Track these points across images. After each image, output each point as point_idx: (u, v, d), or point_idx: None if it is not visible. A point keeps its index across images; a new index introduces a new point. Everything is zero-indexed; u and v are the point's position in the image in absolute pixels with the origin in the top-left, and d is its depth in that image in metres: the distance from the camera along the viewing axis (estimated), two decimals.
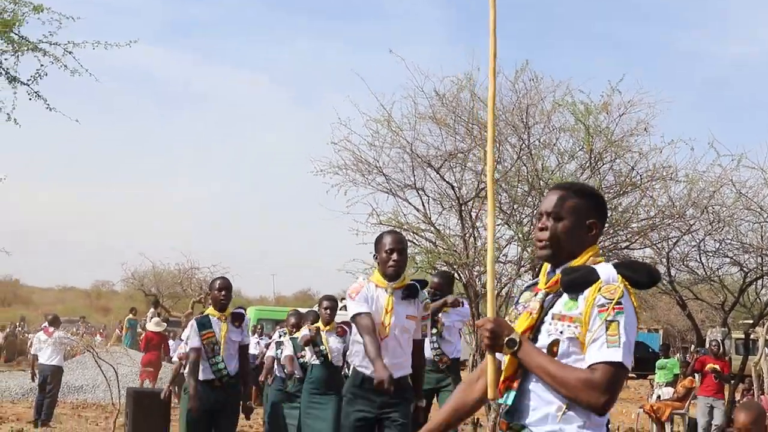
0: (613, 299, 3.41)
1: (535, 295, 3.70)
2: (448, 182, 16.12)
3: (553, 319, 3.52)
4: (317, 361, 10.03)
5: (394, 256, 6.76)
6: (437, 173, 16.10)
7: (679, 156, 47.16)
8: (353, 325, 6.88)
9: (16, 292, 70.32)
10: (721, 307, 20.71)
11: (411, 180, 16.45)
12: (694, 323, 21.29)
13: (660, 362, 21.15)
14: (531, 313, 3.61)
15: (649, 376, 24.16)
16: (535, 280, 3.85)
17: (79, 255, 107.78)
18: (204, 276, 38.59)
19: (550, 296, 3.62)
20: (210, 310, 8.88)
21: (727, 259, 19.46)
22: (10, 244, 65.59)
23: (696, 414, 17.24)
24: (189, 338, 9.13)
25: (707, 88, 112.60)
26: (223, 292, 8.92)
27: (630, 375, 37.09)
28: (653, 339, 42.19)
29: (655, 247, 18.63)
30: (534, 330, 3.58)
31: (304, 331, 10.31)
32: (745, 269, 19.41)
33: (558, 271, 3.60)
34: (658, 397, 19.13)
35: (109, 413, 16.44)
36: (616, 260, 3.81)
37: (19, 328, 41.54)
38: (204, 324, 8.80)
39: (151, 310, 26.81)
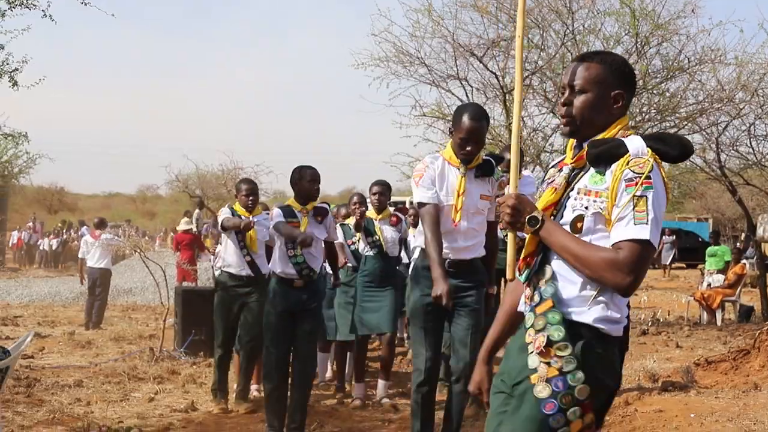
0: (642, 173, 3.19)
1: (561, 170, 3.52)
2: (491, 71, 15.89)
3: (578, 193, 3.33)
4: (371, 252, 9.51)
5: (469, 147, 6.19)
6: (480, 62, 15.86)
7: (728, 38, 46.31)
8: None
9: (62, 199, 70.89)
10: None
11: (454, 70, 16.24)
12: (744, 210, 20.93)
13: (710, 249, 20.91)
14: (555, 189, 3.44)
15: (699, 266, 23.97)
16: (562, 156, 3.63)
17: (123, 159, 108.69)
18: (248, 176, 38.60)
19: (576, 171, 3.43)
20: (291, 201, 7.94)
21: None
22: (54, 151, 66.14)
23: None
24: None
25: None
26: (316, 186, 7.85)
27: (679, 264, 37.08)
28: (702, 228, 41.88)
29: (704, 133, 18.29)
30: (558, 206, 3.41)
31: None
32: None
33: (585, 145, 3.40)
34: (709, 284, 18.97)
35: (158, 314, 16.57)
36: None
37: (72, 232, 41.70)
38: (290, 213, 7.80)
39: (197, 211, 26.75)
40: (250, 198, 9.12)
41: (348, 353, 10.10)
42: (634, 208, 3.17)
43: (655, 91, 16.45)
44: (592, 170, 3.33)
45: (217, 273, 9.85)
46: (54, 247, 40.41)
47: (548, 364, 3.23)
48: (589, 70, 3.45)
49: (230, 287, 9.17)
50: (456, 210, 6.23)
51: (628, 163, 3.22)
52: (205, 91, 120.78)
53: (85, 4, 12.60)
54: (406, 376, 9.51)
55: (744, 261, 18.08)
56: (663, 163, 3.37)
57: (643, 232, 3.16)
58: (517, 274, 3.54)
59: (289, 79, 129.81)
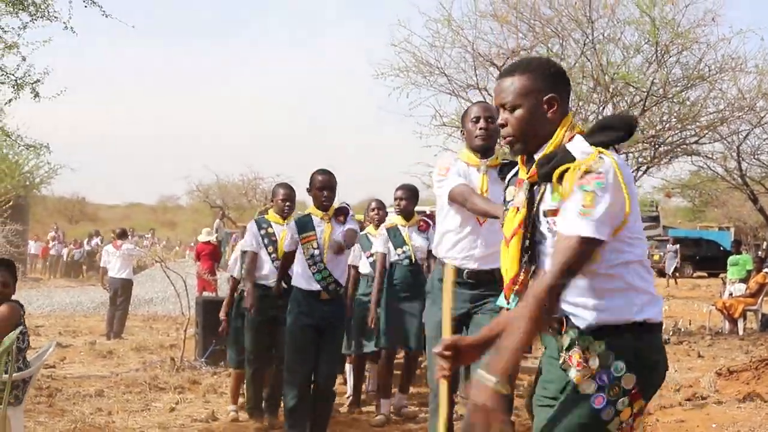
0: (592, 170, 3.12)
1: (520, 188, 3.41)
2: None
3: (545, 216, 3.27)
4: (401, 261, 8.95)
5: (482, 123, 5.94)
6: (500, 72, 15.84)
7: (748, 46, 46.12)
8: (439, 215, 6.18)
9: (83, 209, 71.23)
10: None
11: (473, 80, 16.27)
12: (766, 218, 20.87)
13: (732, 258, 20.81)
14: (518, 209, 3.37)
15: (721, 275, 23.86)
16: (515, 170, 3.55)
17: (144, 170, 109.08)
18: (268, 186, 38.66)
19: (536, 186, 3.32)
20: (311, 209, 7.59)
21: None
22: (75, 162, 66.48)
23: None
24: (246, 241, 8.61)
25: None
26: (325, 192, 7.44)
27: (701, 274, 36.85)
28: (724, 237, 41.64)
29: (725, 141, 18.28)
30: (528, 226, 3.32)
31: (382, 230, 9.18)
32: None
33: (536, 158, 3.32)
34: (731, 293, 18.87)
35: (179, 324, 16.61)
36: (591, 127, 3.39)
37: (95, 242, 41.65)
38: (305, 225, 7.47)
39: (217, 221, 26.81)
40: (287, 204, 8.68)
41: (367, 367, 9.85)
42: (581, 201, 3.11)
43: (675, 100, 16.43)
44: (550, 187, 3.25)
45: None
46: (76, 258, 40.52)
47: (587, 365, 3.22)
48: (514, 84, 3.36)
49: (259, 299, 8.59)
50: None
51: (579, 168, 3.15)
52: (225, 102, 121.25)
53: (106, 16, 12.71)
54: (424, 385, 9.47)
55: (766, 270, 17.94)
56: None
57: (586, 227, 3.10)
58: (503, 302, 3.46)
59: (308, 89, 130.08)
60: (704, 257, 37.51)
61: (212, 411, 9.15)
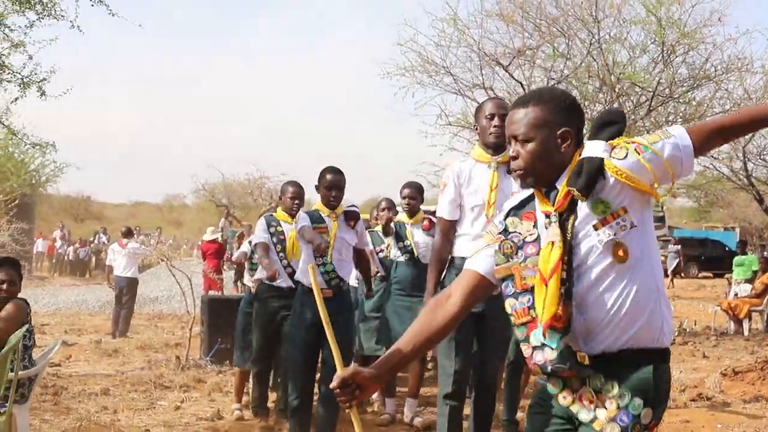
0: (629, 146, 3.13)
1: (535, 224, 3.31)
2: (517, 80, 15.90)
3: (596, 229, 3.15)
4: (402, 258, 8.92)
5: (496, 121, 5.96)
6: (506, 71, 15.87)
7: (755, 46, 46.04)
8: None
9: (89, 208, 71.21)
10: None
11: (479, 79, 16.26)
12: None
13: (737, 259, 20.76)
14: (553, 243, 3.19)
15: (726, 275, 23.82)
16: (518, 202, 3.42)
17: (150, 168, 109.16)
18: (274, 185, 38.67)
19: (565, 215, 3.20)
20: (318, 206, 7.48)
21: None
22: (81, 160, 66.55)
23: None
24: (257, 233, 8.48)
25: None
26: (333, 192, 7.38)
27: (706, 274, 36.80)
28: (729, 237, 41.57)
29: (731, 142, 18.22)
30: (566, 260, 3.17)
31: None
32: None
33: (559, 187, 3.22)
34: (736, 294, 18.86)
35: (184, 323, 16.63)
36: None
37: (103, 239, 41.64)
38: (317, 218, 7.39)
39: (222, 220, 26.83)
40: (296, 202, 8.52)
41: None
42: (649, 141, 3.13)
43: (681, 100, 16.42)
44: (586, 206, 3.17)
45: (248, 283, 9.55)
46: (81, 256, 40.56)
47: (604, 408, 3.17)
48: (528, 115, 3.28)
49: (268, 299, 8.59)
50: (489, 205, 6.01)
51: (612, 164, 3.12)
52: (232, 100, 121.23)
53: (113, 15, 12.73)
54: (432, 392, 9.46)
55: None
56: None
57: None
58: (541, 338, 3.24)
59: (315, 87, 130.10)
60: (709, 257, 37.48)
61: (217, 410, 9.15)
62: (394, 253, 9.00)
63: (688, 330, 17.06)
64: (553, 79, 15.68)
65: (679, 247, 34.56)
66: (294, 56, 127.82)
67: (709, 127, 3.22)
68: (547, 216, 3.25)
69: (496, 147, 6.08)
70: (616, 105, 16.17)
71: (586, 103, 16.05)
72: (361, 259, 7.85)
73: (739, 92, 16.79)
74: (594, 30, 15.57)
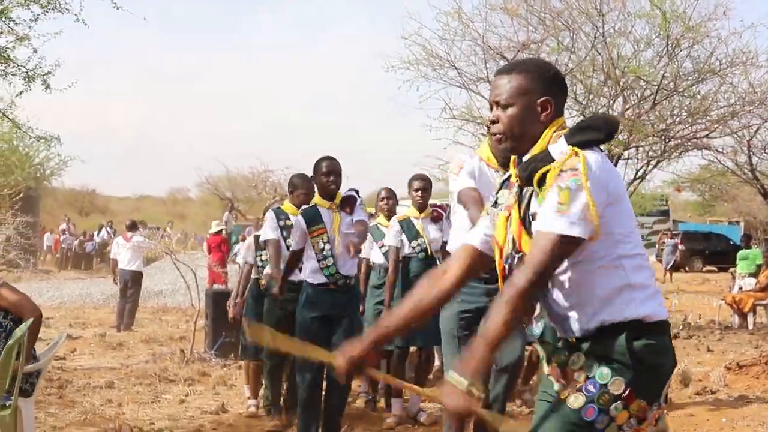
0: (567, 168, 3.07)
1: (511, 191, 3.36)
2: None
3: (533, 219, 3.19)
4: (416, 255, 8.54)
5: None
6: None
7: (759, 40, 45.95)
8: (454, 212, 6.05)
9: (93, 201, 71.27)
10: None
11: (484, 73, 16.28)
12: None
13: (742, 253, 20.74)
14: (510, 211, 3.29)
15: (731, 269, 23.80)
16: (509, 173, 3.47)
17: (154, 162, 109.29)
18: (278, 179, 38.70)
19: (524, 190, 3.25)
20: (317, 199, 7.36)
21: None
22: (85, 154, 66.54)
23: None
24: (265, 230, 8.20)
25: None
26: (331, 177, 7.23)
27: (710, 268, 36.73)
28: (734, 231, 41.55)
29: (735, 135, 18.24)
30: (518, 229, 3.24)
31: (394, 223, 8.72)
32: None
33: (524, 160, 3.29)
34: (740, 288, 18.85)
35: (189, 316, 16.65)
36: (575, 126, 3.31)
37: (107, 232, 41.51)
38: (313, 217, 7.25)
39: (226, 213, 26.88)
40: (304, 194, 8.24)
41: (391, 362, 9.08)
42: (557, 199, 3.05)
43: (686, 94, 16.41)
44: (536, 190, 3.18)
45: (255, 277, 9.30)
46: (88, 250, 40.59)
47: (572, 380, 3.17)
48: (511, 82, 3.31)
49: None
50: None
51: (558, 169, 3.09)
52: (235, 94, 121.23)
53: (117, 8, 12.74)
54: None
55: None
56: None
57: (562, 225, 3.04)
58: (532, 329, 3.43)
59: (318, 82, 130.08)
60: (714, 251, 37.39)
61: (222, 403, 9.17)
62: (407, 251, 8.61)
63: (692, 324, 17.05)
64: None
65: (677, 241, 34.38)
66: (296, 52, 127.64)
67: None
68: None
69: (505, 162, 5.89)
70: (620, 99, 16.17)
71: (590, 97, 16.05)
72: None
73: (744, 86, 16.80)
74: (598, 23, 15.56)
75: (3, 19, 12.75)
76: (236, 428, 8.45)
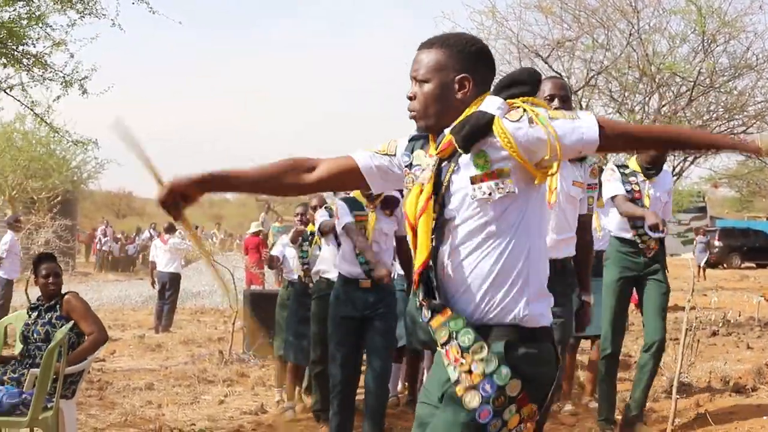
0: (522, 110, 2.99)
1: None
2: (556, 72, 15.83)
3: (473, 183, 3.01)
4: None
5: (556, 103, 5.26)
6: (545, 63, 15.80)
7: None
8: None
9: (130, 204, 71.65)
10: None
11: None
12: None
13: None
14: (423, 185, 3.10)
15: None
16: (426, 136, 3.26)
17: (190, 164, 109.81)
18: None
19: (445, 162, 3.09)
20: (356, 194, 7.14)
21: None
22: (122, 156, 66.88)
23: None
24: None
25: None
26: None
27: (749, 264, 36.38)
28: None
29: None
30: (435, 205, 3.07)
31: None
32: None
33: (446, 132, 3.10)
34: None
35: (227, 317, 16.73)
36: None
37: (152, 234, 41.60)
38: (357, 204, 7.06)
39: (262, 214, 26.95)
40: None
41: (422, 364, 9.08)
42: (550, 117, 2.98)
43: (722, 90, 16.31)
44: (468, 157, 3.04)
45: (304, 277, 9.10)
46: (130, 253, 40.82)
47: (469, 371, 2.97)
48: (429, 56, 3.15)
49: (327, 296, 7.65)
50: (550, 190, 5.27)
51: (501, 122, 2.98)
52: (269, 94, 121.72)
53: (153, 13, 12.85)
54: None
55: None
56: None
57: (588, 116, 3.01)
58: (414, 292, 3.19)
59: (356, 81, 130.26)
60: (752, 248, 37.03)
61: (261, 403, 9.21)
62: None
63: (731, 321, 16.91)
64: (593, 70, 15.64)
65: (708, 238, 33.69)
66: (334, 50, 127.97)
67: (620, 129, 3.09)
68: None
69: None
70: (656, 95, 16.08)
71: (626, 94, 15.98)
72: (401, 249, 7.31)
73: None
74: (633, 20, 15.50)
75: (40, 25, 12.90)
76: (275, 429, 8.47)
